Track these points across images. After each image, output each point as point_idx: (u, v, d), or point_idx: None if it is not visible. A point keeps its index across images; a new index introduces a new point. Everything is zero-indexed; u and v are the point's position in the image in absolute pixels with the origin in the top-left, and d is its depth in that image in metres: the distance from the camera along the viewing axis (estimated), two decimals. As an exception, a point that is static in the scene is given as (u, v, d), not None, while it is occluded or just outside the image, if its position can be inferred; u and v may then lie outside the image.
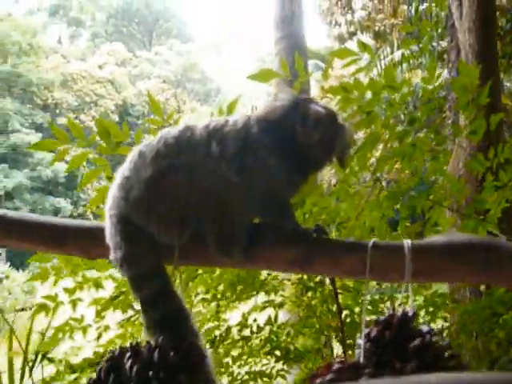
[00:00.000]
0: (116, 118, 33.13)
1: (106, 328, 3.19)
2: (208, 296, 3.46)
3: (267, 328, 3.76)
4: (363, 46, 2.27)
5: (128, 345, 1.39)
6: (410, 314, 1.48)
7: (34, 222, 1.55)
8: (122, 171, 1.53)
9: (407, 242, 1.44)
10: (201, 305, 3.67)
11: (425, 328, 1.46)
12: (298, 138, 1.51)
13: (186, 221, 1.45)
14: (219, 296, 3.57)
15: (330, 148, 1.57)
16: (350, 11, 18.90)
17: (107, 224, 1.50)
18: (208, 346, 3.69)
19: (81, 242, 1.52)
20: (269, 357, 3.81)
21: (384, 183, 2.77)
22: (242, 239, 1.45)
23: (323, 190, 2.89)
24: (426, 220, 2.98)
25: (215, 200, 1.44)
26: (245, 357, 3.78)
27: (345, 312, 3.55)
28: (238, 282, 3.29)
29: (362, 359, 1.44)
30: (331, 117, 1.55)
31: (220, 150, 1.47)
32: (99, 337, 3.20)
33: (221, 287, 3.40)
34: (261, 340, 3.74)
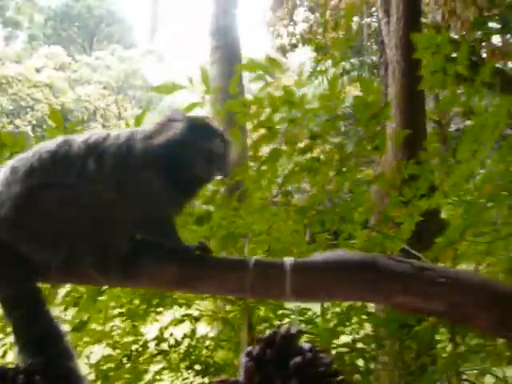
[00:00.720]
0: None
1: (12, 345, 3.06)
2: (123, 310, 3.37)
3: (187, 341, 3.71)
4: (271, 61, 2.28)
5: (-7, 369, 1.32)
6: (293, 331, 1.47)
7: None
8: None
9: (289, 260, 1.44)
10: (118, 319, 3.59)
11: (306, 345, 1.46)
12: (193, 172, 1.49)
13: (60, 240, 1.39)
14: (135, 310, 3.49)
15: (219, 170, 1.56)
16: (291, 23, 19.15)
17: None
18: (125, 360, 3.61)
19: None
20: (190, 371, 3.76)
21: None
22: (120, 258, 1.41)
23: (236, 203, 2.87)
24: (339, 233, 3.03)
25: (91, 218, 1.39)
26: (165, 371, 3.72)
27: (264, 325, 3.54)
28: (152, 295, 3.22)
29: (241, 378, 1.43)
30: (225, 145, 1.54)
31: (98, 166, 1.42)
32: (4, 355, 3.07)
33: (136, 301, 3.32)
34: (179, 354, 3.68)
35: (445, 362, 2.52)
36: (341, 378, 1.48)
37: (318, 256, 1.48)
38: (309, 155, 2.35)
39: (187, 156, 1.46)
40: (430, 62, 2.30)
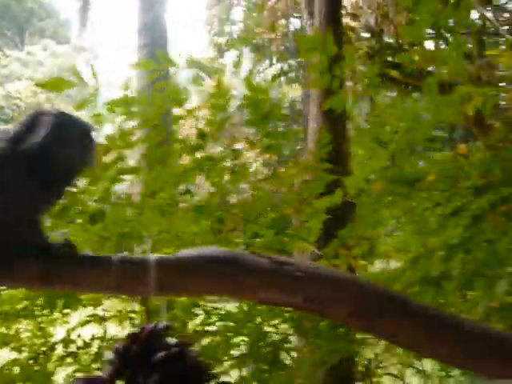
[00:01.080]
0: (-19, 120, 30.82)
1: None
2: (26, 313, 3.29)
3: (97, 343, 3.67)
4: (165, 59, 2.30)
5: None
6: (161, 326, 1.50)
7: None
8: None
9: (154, 256, 1.47)
10: (23, 322, 3.51)
11: (172, 340, 1.48)
12: (62, 163, 1.47)
13: None
14: (43, 312, 3.43)
15: (85, 159, 1.56)
16: (228, 22, 19.20)
17: None
18: (32, 363, 3.54)
19: None
20: (103, 373, 3.71)
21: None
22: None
23: (140, 202, 2.87)
24: (244, 232, 3.09)
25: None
26: (78, 373, 3.67)
27: (176, 325, 3.55)
28: (57, 296, 3.16)
29: (106, 374, 1.44)
30: (90, 135, 1.54)
31: None
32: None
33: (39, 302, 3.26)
34: (89, 355, 3.64)
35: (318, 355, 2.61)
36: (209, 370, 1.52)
37: (184, 252, 1.51)
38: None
39: (55, 148, 1.46)
40: (315, 63, 2.38)
